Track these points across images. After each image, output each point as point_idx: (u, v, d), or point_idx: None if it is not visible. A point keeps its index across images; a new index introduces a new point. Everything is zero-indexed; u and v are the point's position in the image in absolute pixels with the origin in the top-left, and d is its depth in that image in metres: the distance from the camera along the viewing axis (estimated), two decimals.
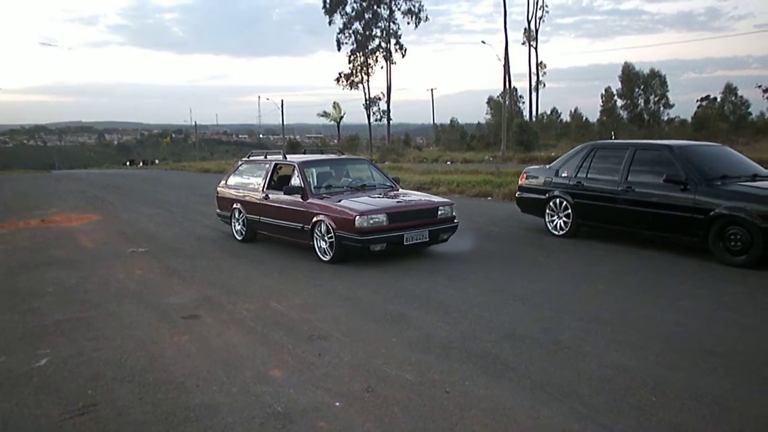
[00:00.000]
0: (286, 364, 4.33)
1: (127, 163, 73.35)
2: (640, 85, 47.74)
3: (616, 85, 48.83)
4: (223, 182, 10.23)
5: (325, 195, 8.05)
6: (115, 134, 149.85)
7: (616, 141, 10.45)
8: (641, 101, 48.10)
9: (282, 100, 53.77)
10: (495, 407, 3.53)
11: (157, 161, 71.19)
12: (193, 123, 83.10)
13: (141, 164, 67.56)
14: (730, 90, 46.31)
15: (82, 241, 10.08)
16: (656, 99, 47.95)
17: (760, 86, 41.73)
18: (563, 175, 9.07)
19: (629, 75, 47.66)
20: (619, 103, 49.12)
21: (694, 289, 6.11)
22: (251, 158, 10.07)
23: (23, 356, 4.64)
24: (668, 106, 48.14)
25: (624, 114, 48.62)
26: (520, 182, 10.15)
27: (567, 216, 8.92)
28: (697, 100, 47.78)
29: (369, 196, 8.02)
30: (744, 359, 4.20)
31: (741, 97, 46.02)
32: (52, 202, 17.07)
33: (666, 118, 47.60)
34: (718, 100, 46.63)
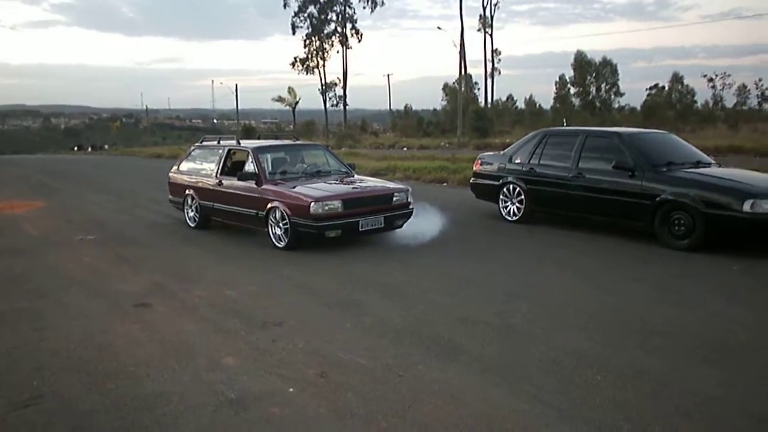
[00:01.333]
0: (240, 351, 4.30)
1: (75, 148, 70.80)
2: (592, 73, 48.64)
3: (569, 73, 49.65)
4: (175, 168, 10.02)
5: (279, 181, 7.98)
6: (61, 118, 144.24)
7: (567, 128, 10.66)
8: (593, 89, 49.01)
9: (236, 85, 52.92)
10: (447, 390, 3.59)
11: (106, 146, 68.93)
12: (145, 107, 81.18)
13: (89, 149, 65.38)
14: (677, 79, 47.64)
15: (26, 228, 9.75)
16: (607, 87, 48.94)
17: (705, 76, 43.25)
18: (516, 161, 9.21)
19: (581, 63, 48.47)
20: (572, 90, 49.99)
21: (640, 272, 6.32)
22: (204, 143, 9.90)
23: None
24: (619, 94, 49.18)
25: (577, 101, 49.51)
26: (474, 168, 10.25)
27: (520, 202, 9.07)
28: (647, 89, 48.98)
29: (324, 183, 7.98)
30: (684, 339, 4.38)
31: (687, 86, 47.42)
32: None
33: (617, 105, 48.68)
34: (666, 89, 47.93)
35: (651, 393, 3.50)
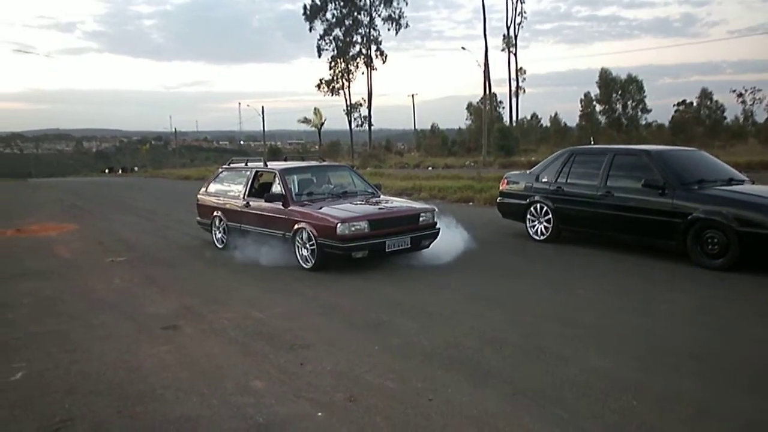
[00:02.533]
0: (268, 374, 4.29)
1: (106, 171, 72.50)
2: (618, 90, 48.25)
3: (594, 91, 49.32)
4: (203, 189, 10.15)
5: (306, 202, 8.02)
6: (93, 141, 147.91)
7: (594, 146, 10.58)
8: (619, 106, 48.58)
9: (263, 107, 54.01)
10: (478, 414, 3.53)
11: (136, 168, 70.46)
12: (173, 130, 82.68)
13: (120, 172, 66.86)
14: (705, 95, 46.99)
15: (59, 251, 9.93)
16: (634, 104, 48.47)
17: (734, 91, 42.66)
18: (543, 180, 9.13)
19: (607, 80, 48.13)
20: (598, 108, 49.59)
21: (673, 292, 6.18)
22: (232, 165, 10.01)
23: None
24: (646, 110, 48.68)
25: (603, 119, 49.09)
26: (500, 188, 10.19)
27: (547, 221, 8.98)
28: (674, 105, 48.38)
29: (350, 203, 8.00)
30: (721, 362, 4.25)
31: (716, 101, 46.73)
32: (28, 211, 16.80)
33: (644, 122, 48.15)
34: (694, 104, 47.31)
35: (690, 419, 3.40)
